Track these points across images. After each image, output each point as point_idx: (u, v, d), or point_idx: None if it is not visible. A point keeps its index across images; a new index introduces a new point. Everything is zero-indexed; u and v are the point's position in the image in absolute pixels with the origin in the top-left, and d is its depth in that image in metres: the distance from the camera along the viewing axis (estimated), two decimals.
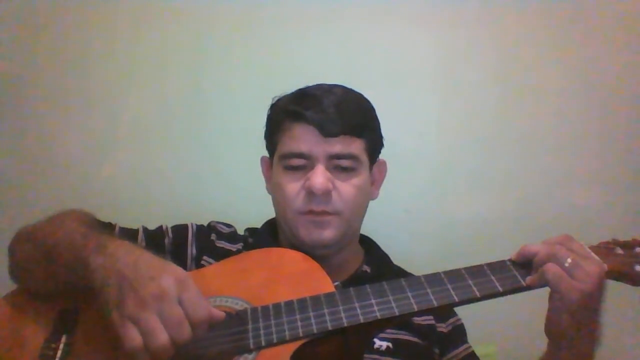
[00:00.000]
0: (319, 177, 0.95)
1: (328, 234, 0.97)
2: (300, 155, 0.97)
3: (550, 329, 0.78)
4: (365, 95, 1.07)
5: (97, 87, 1.51)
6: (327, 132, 0.96)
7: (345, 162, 0.98)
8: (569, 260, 0.75)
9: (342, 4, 1.49)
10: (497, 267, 0.81)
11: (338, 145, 0.97)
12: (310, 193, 0.95)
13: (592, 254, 0.78)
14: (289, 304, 0.80)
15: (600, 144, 1.46)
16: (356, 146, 0.99)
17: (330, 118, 0.96)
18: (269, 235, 1.08)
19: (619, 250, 0.82)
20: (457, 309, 1.08)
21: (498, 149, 1.48)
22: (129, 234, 1.02)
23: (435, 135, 1.49)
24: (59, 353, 0.79)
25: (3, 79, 1.50)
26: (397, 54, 1.49)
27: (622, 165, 1.45)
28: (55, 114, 1.50)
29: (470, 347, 1.05)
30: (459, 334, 1.05)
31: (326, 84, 1.05)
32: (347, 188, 0.98)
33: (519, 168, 1.47)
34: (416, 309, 0.78)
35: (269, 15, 1.49)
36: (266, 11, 1.49)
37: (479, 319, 1.20)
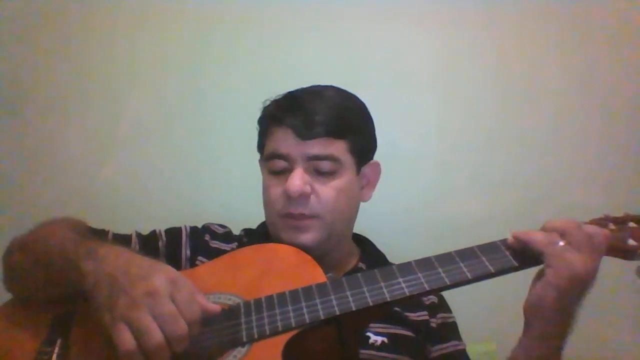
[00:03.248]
0: (295, 180, 0.95)
1: (307, 237, 0.97)
2: (279, 157, 0.99)
3: (532, 303, 0.77)
4: (366, 96, 1.07)
5: (97, 87, 1.51)
6: (303, 134, 0.97)
7: (324, 164, 0.98)
8: (562, 243, 0.76)
9: (342, 4, 1.49)
10: (487, 248, 0.81)
11: (316, 147, 0.97)
12: (288, 196, 0.96)
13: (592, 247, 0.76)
14: (281, 295, 0.80)
15: (600, 144, 1.47)
16: (336, 147, 0.98)
17: (307, 121, 0.97)
18: (265, 234, 1.08)
19: (612, 226, 0.82)
20: (457, 307, 1.08)
21: (498, 149, 1.48)
22: (123, 240, 1.01)
23: (435, 135, 1.49)
24: (54, 357, 0.79)
25: (3, 79, 1.50)
26: (398, 54, 1.50)
27: (622, 165, 1.45)
28: (55, 114, 1.50)
29: (460, 344, 1.03)
30: (448, 330, 1.04)
31: (319, 86, 1.05)
32: (326, 191, 0.98)
33: (519, 168, 1.47)
34: (407, 294, 0.78)
35: (269, 16, 1.49)
36: (266, 11, 1.49)
37: (479, 318, 1.21)
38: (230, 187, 1.46)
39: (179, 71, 1.50)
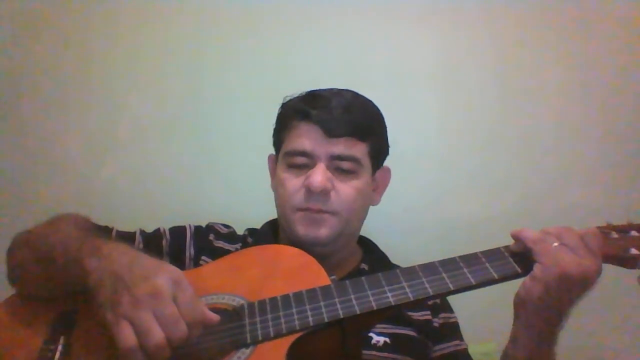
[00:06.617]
0: (319, 175, 0.96)
1: (323, 231, 0.98)
2: (303, 154, 0.99)
3: (519, 295, 0.79)
4: (366, 95, 1.08)
5: (97, 87, 1.51)
6: (331, 132, 0.98)
7: (346, 164, 0.99)
8: (556, 244, 0.77)
9: (343, 4, 1.49)
10: (491, 254, 0.82)
11: (340, 146, 0.98)
12: (309, 190, 0.97)
13: (587, 252, 0.77)
14: (286, 297, 0.80)
15: (599, 144, 1.47)
16: (359, 149, 1.00)
17: (335, 119, 0.98)
18: (269, 235, 1.09)
19: (614, 235, 0.82)
20: (457, 307, 1.08)
21: (498, 149, 1.48)
22: (126, 238, 1.02)
23: (436, 135, 1.49)
24: (57, 354, 0.79)
25: (3, 79, 1.50)
26: (398, 54, 1.50)
27: (622, 165, 1.45)
28: (55, 114, 1.50)
29: (461, 344, 1.04)
30: (449, 330, 1.05)
31: (336, 88, 1.06)
32: (346, 189, 0.99)
33: (519, 168, 1.47)
34: (412, 298, 0.78)
35: (269, 16, 1.49)
36: (266, 11, 1.49)
37: (479, 318, 1.20)
38: (230, 187, 1.46)
39: (179, 71, 1.50)
